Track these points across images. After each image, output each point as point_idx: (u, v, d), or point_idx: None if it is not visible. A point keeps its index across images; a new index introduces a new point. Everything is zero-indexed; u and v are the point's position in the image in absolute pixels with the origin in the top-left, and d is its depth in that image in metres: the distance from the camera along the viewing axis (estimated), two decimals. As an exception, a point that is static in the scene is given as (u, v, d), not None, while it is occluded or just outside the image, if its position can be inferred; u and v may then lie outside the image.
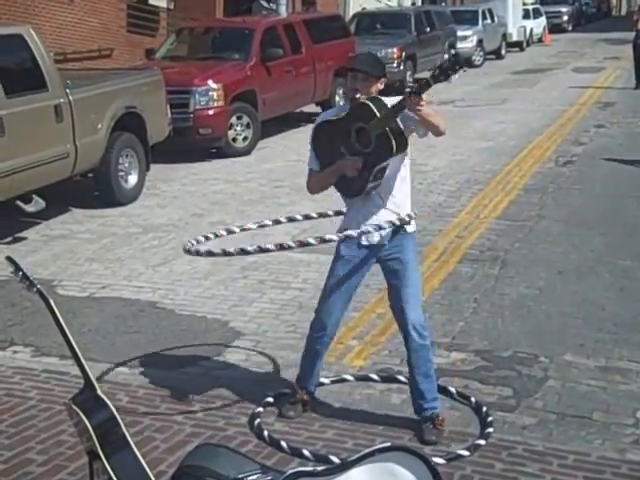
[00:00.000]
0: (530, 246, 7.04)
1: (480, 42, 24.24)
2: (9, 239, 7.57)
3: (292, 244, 3.79)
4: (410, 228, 4.01)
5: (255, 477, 2.78)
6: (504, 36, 27.19)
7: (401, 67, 17.75)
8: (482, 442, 3.87)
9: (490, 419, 4.06)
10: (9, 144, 7.18)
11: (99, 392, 3.10)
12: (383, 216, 3.93)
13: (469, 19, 24.50)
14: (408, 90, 3.74)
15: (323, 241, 3.67)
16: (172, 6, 18.46)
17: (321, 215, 4.67)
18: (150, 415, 4.21)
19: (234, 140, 11.46)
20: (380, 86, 3.92)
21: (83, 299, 6.03)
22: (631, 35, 18.92)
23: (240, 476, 2.76)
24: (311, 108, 14.35)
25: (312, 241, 3.64)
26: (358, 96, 3.85)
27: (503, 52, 26.85)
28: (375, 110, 3.73)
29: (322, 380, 4.49)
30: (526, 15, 31.28)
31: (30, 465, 3.77)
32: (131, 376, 4.72)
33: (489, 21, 25.66)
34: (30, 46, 7.73)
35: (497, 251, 6.88)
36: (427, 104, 3.74)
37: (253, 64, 12.02)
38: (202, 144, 11.25)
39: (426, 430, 3.95)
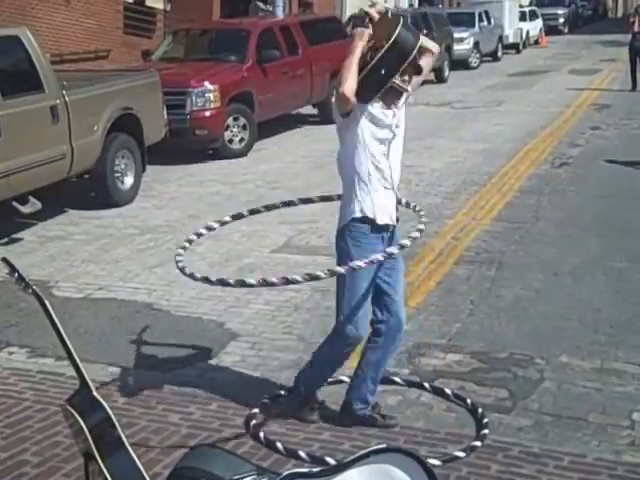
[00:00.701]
0: (526, 248, 7.05)
1: (477, 44, 24.28)
2: (5, 240, 7.56)
3: (299, 278, 3.47)
4: None
5: (251, 479, 2.78)
6: (500, 38, 27.24)
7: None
8: (478, 443, 3.88)
9: (486, 420, 4.06)
10: (5, 145, 7.17)
11: (95, 393, 3.10)
12: (394, 201, 3.91)
13: (466, 21, 24.53)
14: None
15: (333, 274, 3.56)
16: (169, 7, 18.47)
17: (323, 199, 4.61)
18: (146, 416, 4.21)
19: (230, 141, 11.46)
20: None
21: (79, 300, 6.03)
22: (627, 37, 18.98)
23: (236, 478, 2.76)
24: (307, 110, 14.36)
25: (321, 274, 3.45)
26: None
27: (499, 54, 26.90)
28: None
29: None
30: (522, 17, 31.35)
31: (25, 466, 3.76)
32: (127, 377, 4.71)
33: (485, 23, 25.69)
34: (26, 47, 7.72)
35: (493, 253, 6.89)
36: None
37: (250, 66, 12.02)
38: (198, 145, 11.25)
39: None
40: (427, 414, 4.22)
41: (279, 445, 3.86)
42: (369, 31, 3.68)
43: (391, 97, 3.77)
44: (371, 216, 3.82)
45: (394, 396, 4.39)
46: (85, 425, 3.00)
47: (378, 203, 3.83)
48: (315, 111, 14.49)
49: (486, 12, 26.25)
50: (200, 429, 4.07)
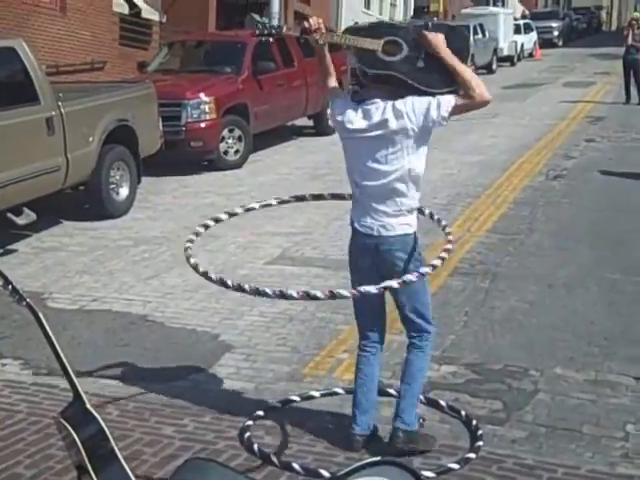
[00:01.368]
0: (520, 260, 7.06)
1: (472, 57, 24.31)
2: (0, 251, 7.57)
3: (320, 295, 3.47)
4: None
5: (244, 491, 2.77)
6: (495, 51, 27.36)
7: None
8: (472, 455, 3.87)
9: (480, 432, 4.06)
10: (0, 156, 7.17)
11: (88, 406, 3.09)
12: None
13: (460, 34, 24.57)
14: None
15: (359, 292, 3.52)
16: (165, 19, 18.52)
17: (334, 196, 4.57)
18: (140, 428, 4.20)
19: (226, 153, 11.47)
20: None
21: (73, 312, 6.02)
22: (621, 50, 19.08)
23: (229, 490, 2.76)
24: (303, 121, 14.39)
25: (345, 293, 3.51)
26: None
27: (494, 67, 27.01)
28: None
29: (312, 393, 4.49)
30: (517, 30, 31.52)
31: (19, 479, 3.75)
32: (120, 389, 4.70)
33: (480, 36, 25.82)
34: (22, 59, 7.73)
35: (488, 265, 6.90)
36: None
37: (245, 77, 12.06)
38: (194, 157, 11.26)
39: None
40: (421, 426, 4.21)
41: (273, 458, 3.85)
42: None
43: None
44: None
45: (389, 407, 4.38)
46: (78, 438, 2.99)
47: None
48: (310, 123, 14.52)
49: (481, 25, 26.39)
50: (194, 441, 4.07)
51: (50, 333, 3.08)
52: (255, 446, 3.96)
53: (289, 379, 4.78)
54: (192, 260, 3.81)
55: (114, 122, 8.80)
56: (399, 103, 3.67)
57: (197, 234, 4.08)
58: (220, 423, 4.26)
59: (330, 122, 3.83)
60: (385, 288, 3.60)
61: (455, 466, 3.79)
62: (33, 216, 7.70)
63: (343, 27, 24.66)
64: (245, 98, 11.88)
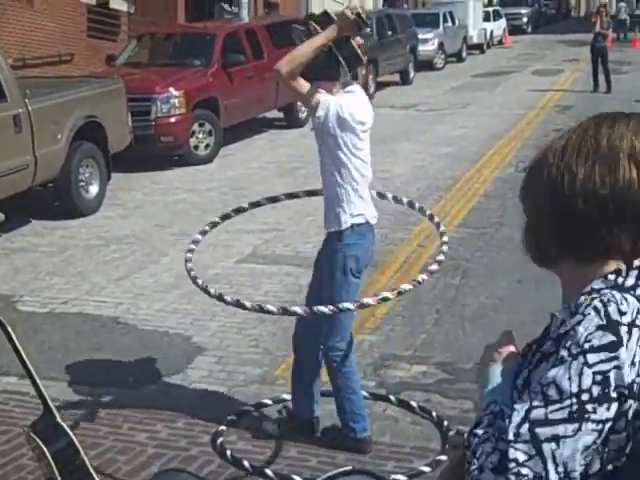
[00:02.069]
0: (491, 255, 7.12)
1: (441, 45, 24.42)
2: (-32, 253, 7.49)
3: (299, 310, 3.67)
4: None
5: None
6: (465, 39, 27.40)
7: (363, 71, 17.81)
8: (443, 457, 3.91)
9: (451, 434, 4.10)
10: (-34, 157, 7.10)
11: (59, 420, 3.09)
12: None
13: (430, 22, 24.64)
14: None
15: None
16: (133, 10, 18.34)
17: (309, 193, 4.66)
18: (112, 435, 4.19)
19: (196, 148, 11.42)
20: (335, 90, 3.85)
21: (44, 315, 5.98)
22: (589, 37, 19.21)
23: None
24: (274, 114, 14.35)
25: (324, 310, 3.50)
26: None
27: (464, 55, 27.06)
28: None
29: (284, 396, 4.51)
30: (486, 17, 31.58)
31: (-10, 491, 3.73)
32: (92, 395, 4.69)
33: (450, 24, 25.84)
34: (-13, 57, 7.64)
35: (458, 260, 6.95)
36: None
37: (215, 70, 11.99)
38: (164, 152, 11.19)
39: None
40: (393, 428, 4.26)
41: (246, 463, 3.87)
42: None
43: None
44: None
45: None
46: (48, 452, 3.00)
47: None
48: (281, 115, 14.49)
49: (450, 13, 26.40)
50: (167, 448, 4.07)
51: (20, 348, 3.07)
52: (228, 452, 3.97)
53: (261, 382, 4.80)
54: (200, 281, 3.80)
55: (82, 119, 8.72)
56: None
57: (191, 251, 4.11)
58: (193, 429, 4.26)
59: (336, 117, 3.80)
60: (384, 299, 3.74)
61: (426, 469, 3.83)
62: (1, 216, 7.57)
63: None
64: (215, 91, 11.81)
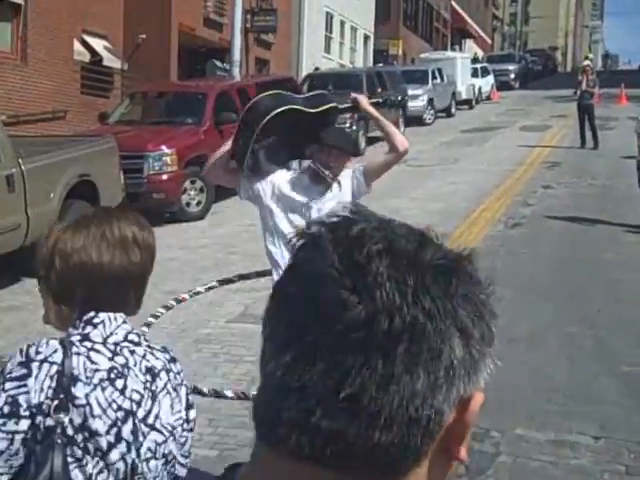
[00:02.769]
0: (481, 313, 7.14)
1: (431, 101, 24.78)
2: (-42, 311, 7.47)
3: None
4: None
5: None
6: (454, 94, 27.86)
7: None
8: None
9: None
10: (-41, 216, 7.13)
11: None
12: None
13: (419, 78, 25.06)
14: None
15: None
16: (126, 67, 18.61)
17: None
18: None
19: (188, 205, 11.51)
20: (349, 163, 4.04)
21: (34, 376, 5.94)
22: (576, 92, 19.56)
23: None
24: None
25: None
26: (328, 173, 3.94)
27: (453, 110, 27.48)
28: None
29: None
30: (474, 74, 32.14)
31: None
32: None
33: (439, 80, 26.28)
34: (-18, 117, 7.73)
35: (449, 319, 6.96)
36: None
37: (206, 128, 12.14)
38: (156, 209, 11.25)
39: None
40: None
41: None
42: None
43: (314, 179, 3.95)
44: None
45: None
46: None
47: None
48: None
49: (439, 69, 26.89)
50: (157, 515, 4.03)
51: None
52: (219, 519, 3.93)
53: (252, 445, 4.76)
54: None
55: (75, 177, 8.80)
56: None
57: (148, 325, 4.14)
58: (183, 494, 4.22)
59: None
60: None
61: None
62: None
63: (304, 72, 24.98)
64: (207, 149, 11.89)
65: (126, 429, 1.77)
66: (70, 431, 1.73)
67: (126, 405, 1.78)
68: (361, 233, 0.76)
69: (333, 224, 0.78)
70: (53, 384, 1.73)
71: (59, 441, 1.71)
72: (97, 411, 1.74)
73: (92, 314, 1.83)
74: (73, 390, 1.74)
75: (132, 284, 1.91)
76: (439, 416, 0.76)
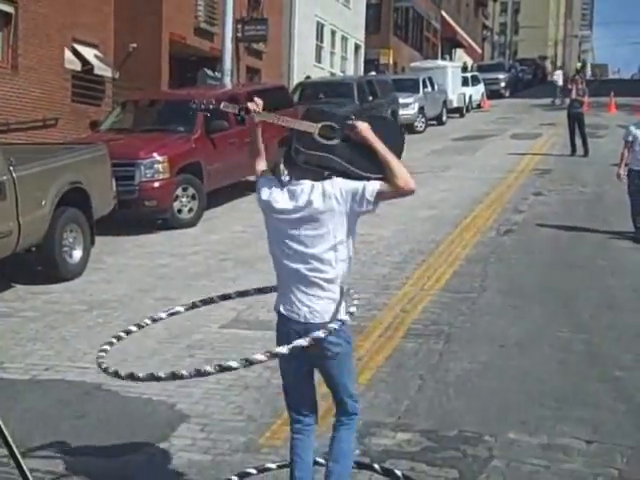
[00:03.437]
0: (473, 319, 7.16)
1: (422, 109, 24.85)
2: (-51, 319, 7.44)
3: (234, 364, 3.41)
4: None
5: None
6: (445, 103, 27.96)
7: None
8: (429, 527, 3.89)
9: (436, 503, 4.09)
10: (-50, 223, 7.11)
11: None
12: None
13: (410, 87, 25.14)
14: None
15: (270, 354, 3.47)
16: (117, 75, 18.60)
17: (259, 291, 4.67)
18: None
19: (180, 212, 11.50)
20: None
21: (26, 382, 5.93)
22: (565, 101, 19.65)
23: None
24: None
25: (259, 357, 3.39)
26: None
27: (444, 118, 27.57)
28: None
29: (269, 465, 4.47)
30: (465, 82, 32.28)
31: None
32: (75, 466, 4.63)
33: (429, 89, 26.37)
34: (-27, 125, 7.72)
35: (441, 325, 6.99)
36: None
37: (198, 136, 12.14)
38: (148, 216, 11.27)
39: None
40: (378, 497, 4.23)
41: (230, 535, 3.83)
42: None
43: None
44: None
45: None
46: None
47: None
48: (264, 179, 14.61)
49: (430, 78, 26.99)
50: (150, 520, 4.02)
51: (7, 433, 3.05)
52: (212, 524, 3.93)
53: (245, 450, 4.77)
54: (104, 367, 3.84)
55: (67, 185, 8.79)
56: (327, 184, 3.62)
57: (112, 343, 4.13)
58: (176, 499, 4.22)
59: (257, 202, 3.83)
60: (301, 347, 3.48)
61: (412, 539, 3.80)
62: (-16, 282, 7.61)
63: (295, 81, 25.01)
64: (198, 157, 11.95)
65: None
66: None
67: None
68: None
69: None
70: None
71: None
72: None
73: None
74: None
75: None
76: None
